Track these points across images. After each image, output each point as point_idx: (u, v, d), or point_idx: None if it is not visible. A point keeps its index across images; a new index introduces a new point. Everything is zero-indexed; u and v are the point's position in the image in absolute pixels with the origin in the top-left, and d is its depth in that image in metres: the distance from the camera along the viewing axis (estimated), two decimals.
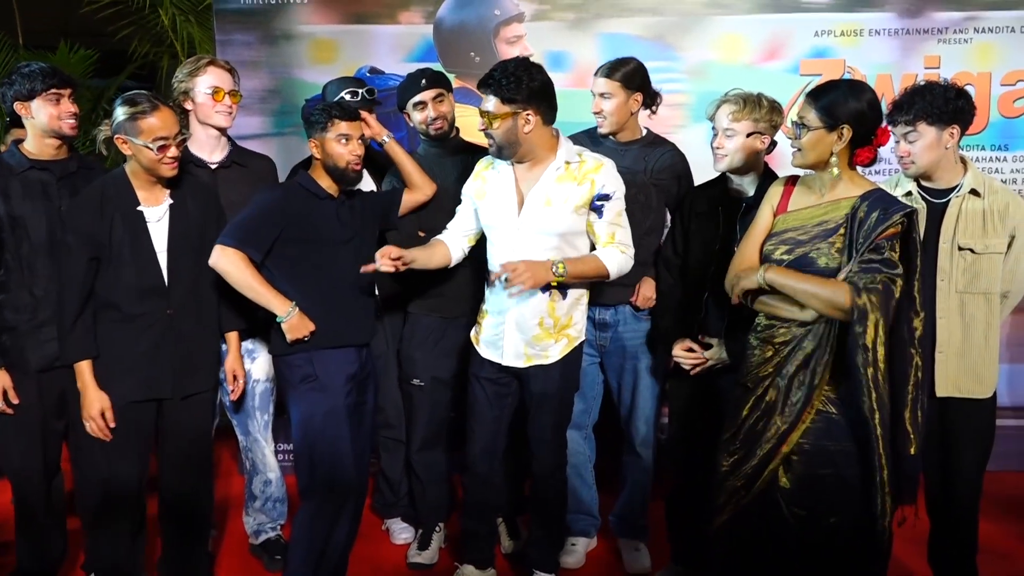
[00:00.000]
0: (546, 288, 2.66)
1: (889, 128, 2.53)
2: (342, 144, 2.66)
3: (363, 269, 2.62)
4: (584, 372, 2.95)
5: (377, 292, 3.11)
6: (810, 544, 2.32)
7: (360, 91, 3.06)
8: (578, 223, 2.66)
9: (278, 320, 2.62)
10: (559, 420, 2.85)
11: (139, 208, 2.59)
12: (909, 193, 2.61)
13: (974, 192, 2.56)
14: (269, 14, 3.81)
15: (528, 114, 2.58)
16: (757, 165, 2.71)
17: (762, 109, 2.64)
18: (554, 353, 2.74)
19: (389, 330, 3.24)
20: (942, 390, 2.60)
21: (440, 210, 2.98)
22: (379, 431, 3.34)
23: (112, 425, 2.57)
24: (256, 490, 3.21)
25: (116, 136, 2.53)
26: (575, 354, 2.79)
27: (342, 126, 2.65)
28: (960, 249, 2.56)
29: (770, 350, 2.34)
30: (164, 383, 2.63)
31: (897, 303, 2.20)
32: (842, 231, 2.25)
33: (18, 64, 2.75)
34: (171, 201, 2.63)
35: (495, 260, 2.75)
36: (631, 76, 2.92)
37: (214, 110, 2.90)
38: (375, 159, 3.11)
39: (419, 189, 2.97)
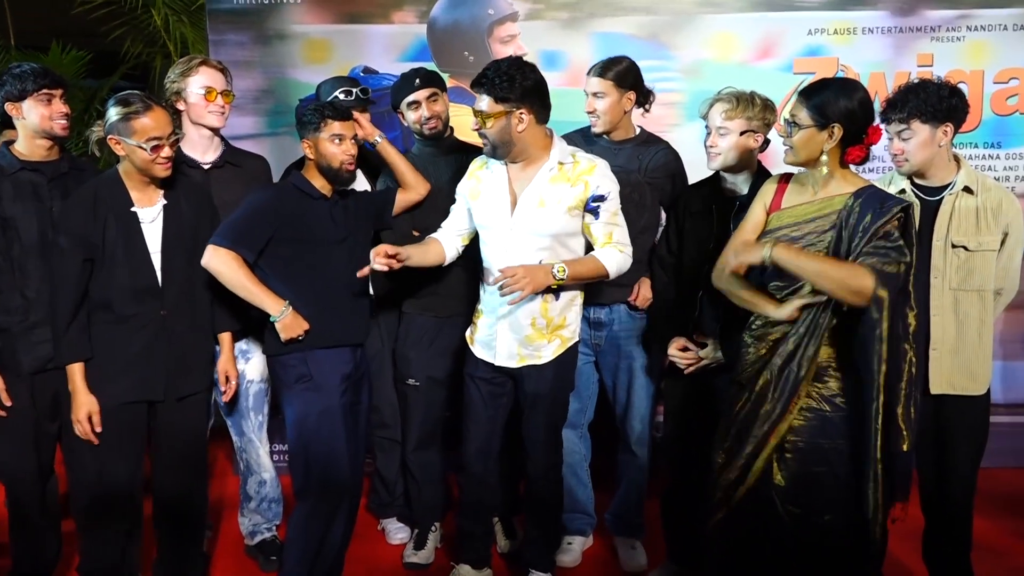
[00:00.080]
0: (543, 289, 2.66)
1: (883, 126, 2.54)
2: (335, 144, 2.66)
3: (359, 273, 2.62)
4: (579, 371, 2.95)
5: (372, 292, 3.11)
6: (805, 542, 2.32)
7: (354, 90, 3.06)
8: (571, 224, 2.66)
9: (271, 319, 2.62)
10: (553, 420, 2.85)
11: (133, 209, 2.58)
12: (903, 191, 2.61)
13: (967, 190, 2.57)
14: (262, 14, 3.80)
15: (522, 113, 2.58)
16: (751, 163, 2.71)
17: (755, 107, 2.64)
18: (547, 353, 2.74)
19: (385, 330, 3.24)
20: (936, 387, 2.61)
21: (434, 209, 2.98)
22: (375, 431, 3.33)
23: (99, 429, 2.56)
24: (251, 491, 3.20)
25: (109, 137, 2.52)
26: (569, 354, 2.79)
27: (335, 126, 2.65)
28: (954, 246, 2.57)
29: (764, 348, 2.34)
30: (157, 384, 2.62)
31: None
32: (833, 230, 2.25)
33: (9, 65, 2.74)
34: (165, 202, 2.63)
35: (489, 260, 2.75)
36: (624, 75, 2.92)
37: (207, 110, 2.89)
38: (369, 160, 3.10)
39: (412, 189, 2.97)
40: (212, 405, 2.94)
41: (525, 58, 2.86)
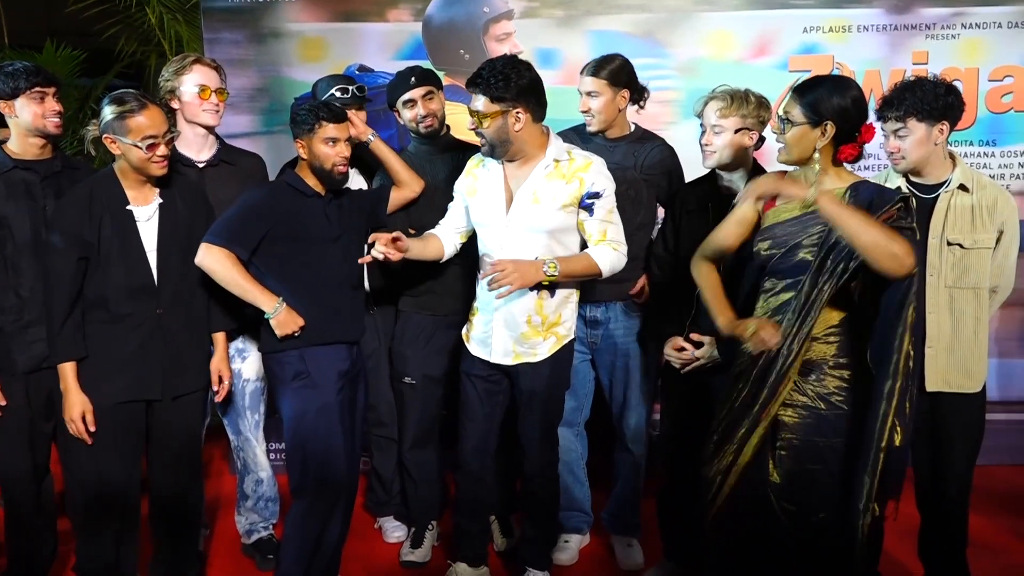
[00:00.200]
0: (536, 286, 2.66)
1: (879, 124, 2.54)
2: (329, 146, 2.65)
3: (361, 260, 2.65)
4: (576, 370, 2.95)
5: (368, 289, 3.11)
6: (800, 539, 2.33)
7: (351, 88, 3.05)
8: (567, 221, 2.66)
9: (266, 316, 2.62)
10: (548, 418, 2.85)
11: (128, 207, 2.57)
12: (898, 188, 2.62)
13: (963, 187, 2.58)
14: (257, 12, 3.80)
15: (518, 112, 2.58)
16: (746, 161, 2.71)
17: (749, 105, 2.65)
18: (543, 351, 2.74)
19: (381, 328, 3.24)
20: (932, 385, 2.61)
21: (431, 208, 2.98)
22: (371, 429, 3.33)
23: (93, 428, 2.55)
24: (248, 489, 3.20)
25: (104, 136, 2.52)
26: (564, 352, 2.79)
27: (329, 128, 2.64)
28: (949, 244, 2.57)
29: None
30: (154, 384, 2.62)
31: None
32: (823, 224, 2.25)
33: (2, 63, 2.73)
34: (160, 200, 2.62)
35: (486, 258, 2.75)
36: (617, 73, 2.92)
37: (201, 108, 2.89)
38: (365, 159, 3.10)
39: (407, 186, 2.97)
40: (209, 404, 2.93)
41: (520, 56, 2.85)
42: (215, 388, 2.83)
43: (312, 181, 2.71)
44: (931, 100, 2.49)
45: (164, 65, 2.99)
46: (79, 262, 2.52)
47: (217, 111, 2.93)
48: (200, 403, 2.80)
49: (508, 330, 2.73)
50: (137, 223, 2.58)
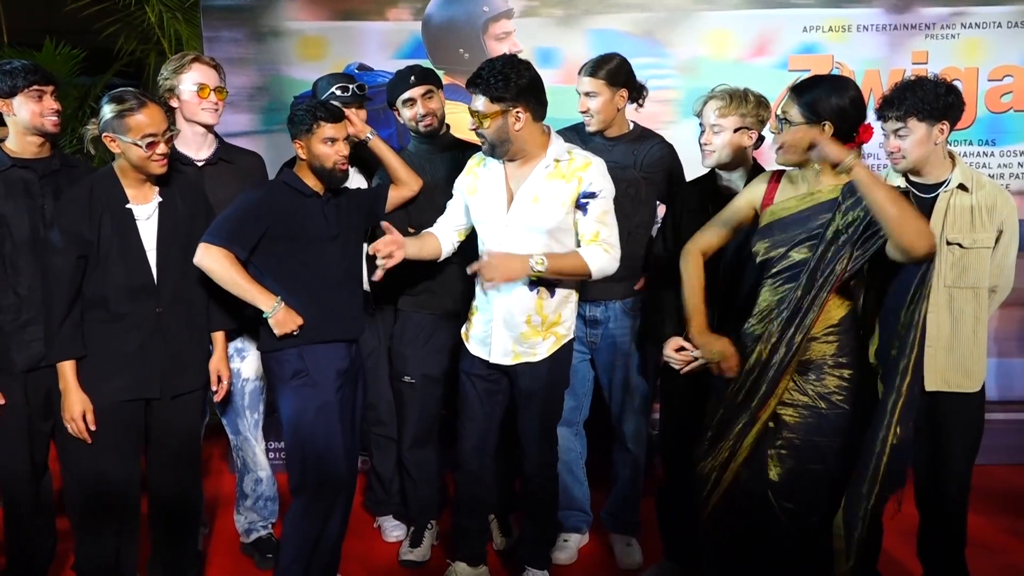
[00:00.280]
0: (533, 285, 2.66)
1: (879, 124, 2.54)
2: (328, 145, 2.65)
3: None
4: (575, 369, 2.95)
5: (368, 288, 3.11)
6: (800, 539, 2.33)
7: (351, 87, 3.05)
8: (566, 220, 2.66)
9: (264, 315, 2.62)
10: (548, 418, 2.85)
11: (128, 206, 2.57)
12: (897, 187, 2.62)
13: (962, 187, 2.57)
14: (256, 11, 3.79)
15: (518, 112, 2.58)
16: (745, 161, 2.71)
17: (749, 104, 2.64)
18: (542, 351, 2.74)
19: (381, 327, 3.24)
20: (931, 384, 2.61)
21: (430, 206, 2.98)
22: (371, 428, 3.33)
23: (93, 427, 2.55)
24: (247, 488, 3.20)
25: (104, 134, 2.51)
26: (564, 352, 2.79)
27: (328, 128, 2.64)
28: (948, 244, 2.57)
29: (759, 346, 2.34)
30: (153, 383, 2.61)
31: None
32: (827, 214, 2.25)
33: (0, 61, 2.73)
34: (160, 199, 2.62)
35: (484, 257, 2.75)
36: (615, 73, 2.92)
37: (200, 107, 2.88)
38: (364, 158, 3.10)
39: (405, 184, 2.97)
40: (208, 403, 2.93)
41: (520, 55, 2.85)
42: (214, 388, 2.83)
43: (310, 181, 2.70)
44: (932, 100, 2.49)
45: (163, 64, 2.98)
46: (79, 261, 2.52)
47: (216, 110, 2.92)
48: (199, 402, 2.80)
49: (508, 330, 2.73)
50: (137, 222, 2.58)
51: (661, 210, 3.10)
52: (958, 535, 2.73)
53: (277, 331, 2.62)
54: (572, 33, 3.80)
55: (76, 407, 2.53)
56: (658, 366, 3.02)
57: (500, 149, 2.64)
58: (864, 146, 2.30)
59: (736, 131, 2.64)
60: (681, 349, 2.76)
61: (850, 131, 2.24)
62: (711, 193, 2.78)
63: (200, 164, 2.94)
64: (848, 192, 2.24)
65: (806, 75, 2.44)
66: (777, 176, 2.43)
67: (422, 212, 3.01)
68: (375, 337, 3.22)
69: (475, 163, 2.82)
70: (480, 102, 2.58)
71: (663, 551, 3.03)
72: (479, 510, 3.02)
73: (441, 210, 2.90)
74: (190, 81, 2.87)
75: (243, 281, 2.60)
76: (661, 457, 3.07)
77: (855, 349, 2.32)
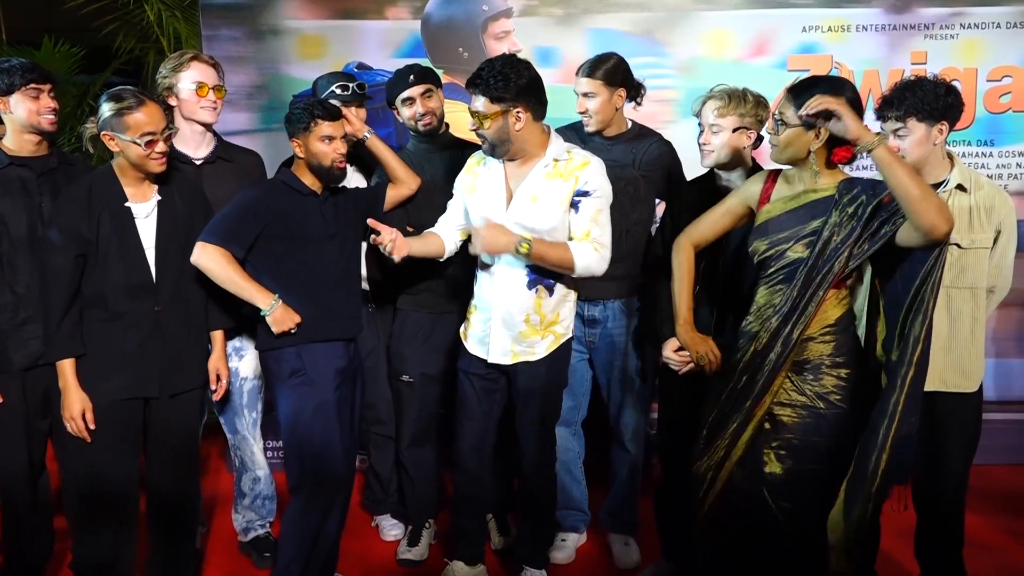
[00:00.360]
0: (532, 284, 2.66)
1: (879, 123, 2.54)
2: (325, 144, 2.65)
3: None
4: (573, 369, 2.95)
5: (367, 287, 3.11)
6: (796, 538, 2.33)
7: (351, 85, 3.05)
8: (565, 220, 2.65)
9: (262, 313, 2.62)
10: (546, 417, 2.85)
11: (127, 204, 2.57)
12: None
13: (961, 187, 2.57)
14: (256, 9, 3.79)
15: (518, 112, 2.58)
16: (744, 160, 2.71)
17: (747, 104, 2.64)
18: (540, 350, 2.74)
19: (380, 326, 3.24)
20: (929, 384, 2.58)
21: (429, 205, 2.98)
22: (370, 427, 3.33)
23: (92, 426, 2.55)
24: (245, 487, 3.20)
25: (103, 133, 2.51)
26: (562, 351, 2.79)
27: (325, 127, 2.64)
28: (947, 244, 2.57)
29: (756, 345, 2.34)
30: (152, 381, 2.62)
31: None
32: (824, 214, 2.25)
33: None
34: (159, 197, 2.62)
35: (483, 256, 2.75)
36: (612, 73, 2.91)
37: (198, 106, 2.88)
38: (363, 156, 3.10)
39: (403, 183, 2.97)
40: (206, 401, 2.93)
41: (520, 55, 2.84)
42: (213, 387, 2.83)
43: (308, 179, 2.70)
44: (931, 100, 2.49)
45: (162, 62, 2.98)
46: (77, 259, 2.52)
47: (215, 108, 2.92)
48: (198, 401, 2.80)
49: (506, 329, 2.73)
50: (136, 220, 2.58)
51: (660, 208, 3.09)
52: (956, 535, 2.73)
53: (275, 329, 2.62)
54: (571, 32, 3.81)
55: (76, 406, 2.53)
56: (656, 366, 3.02)
57: (500, 149, 2.64)
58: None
59: (735, 131, 2.64)
60: (680, 350, 2.77)
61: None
62: (710, 193, 2.77)
63: (199, 163, 2.94)
64: (845, 190, 2.24)
65: (805, 75, 2.44)
66: (774, 175, 2.43)
67: (420, 211, 3.01)
68: (374, 336, 3.22)
69: (475, 162, 2.82)
70: (480, 102, 2.58)
71: (661, 551, 3.04)
72: (477, 509, 3.02)
73: (440, 209, 2.90)
74: (189, 79, 2.87)
75: (240, 279, 2.60)
76: (659, 457, 3.07)
77: (852, 349, 2.33)
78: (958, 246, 2.57)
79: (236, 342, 3.01)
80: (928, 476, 2.69)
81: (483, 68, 2.58)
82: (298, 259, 2.66)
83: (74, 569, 2.75)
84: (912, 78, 2.58)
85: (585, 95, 2.93)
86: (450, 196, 2.87)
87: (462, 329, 2.89)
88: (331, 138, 2.65)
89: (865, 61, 3.80)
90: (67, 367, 2.53)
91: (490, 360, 2.77)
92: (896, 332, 2.26)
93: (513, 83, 2.54)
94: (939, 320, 2.60)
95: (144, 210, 2.59)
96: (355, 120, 2.96)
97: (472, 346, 2.83)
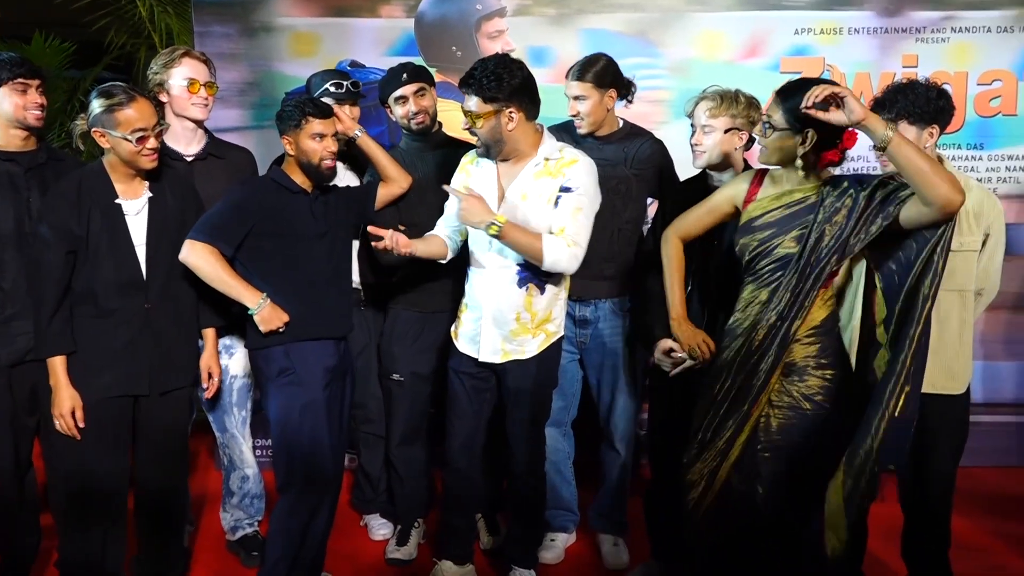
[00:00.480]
0: (523, 282, 2.66)
1: None
2: (316, 141, 2.64)
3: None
4: (564, 369, 2.96)
5: (360, 286, 3.10)
6: (785, 538, 2.34)
7: (345, 83, 3.04)
8: None
9: (249, 312, 2.61)
10: (536, 416, 2.85)
11: (117, 201, 2.56)
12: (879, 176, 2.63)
13: None
14: (248, 6, 3.78)
15: (511, 111, 2.58)
16: (736, 161, 2.72)
17: (739, 105, 2.65)
18: (531, 348, 2.74)
19: (371, 325, 3.23)
20: None
21: (422, 204, 2.97)
22: (359, 426, 3.33)
23: (82, 424, 2.54)
24: (233, 486, 3.18)
25: (93, 129, 2.50)
26: (552, 350, 2.79)
27: (316, 125, 2.63)
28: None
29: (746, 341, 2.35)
30: (141, 379, 2.60)
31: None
32: (811, 212, 2.26)
33: None
34: (150, 194, 2.61)
35: (475, 253, 2.75)
36: (602, 74, 2.92)
37: (190, 102, 2.87)
38: (355, 155, 3.09)
39: (394, 182, 2.96)
40: (195, 400, 2.92)
41: (513, 54, 2.84)
42: (204, 385, 2.82)
43: (299, 178, 2.70)
44: (923, 103, 2.50)
45: (154, 58, 2.97)
46: (68, 256, 2.51)
47: (206, 105, 2.91)
48: (187, 399, 2.79)
49: (497, 328, 2.73)
50: (126, 217, 2.57)
51: (652, 208, 3.10)
52: (942, 536, 2.74)
53: (262, 328, 2.61)
54: (565, 32, 3.81)
55: (66, 403, 2.52)
56: (647, 367, 3.02)
57: (494, 149, 2.64)
58: (850, 150, 2.30)
59: (727, 132, 2.65)
60: (671, 351, 2.77)
61: (834, 138, 2.24)
62: (702, 193, 2.77)
63: (190, 159, 2.93)
64: (829, 189, 2.25)
65: (797, 77, 2.44)
66: (760, 175, 2.44)
67: (412, 209, 3.00)
68: (365, 335, 3.21)
69: (468, 160, 2.82)
70: (473, 102, 2.58)
71: (650, 551, 3.04)
72: (466, 508, 3.02)
73: (432, 207, 2.89)
74: (180, 76, 2.86)
75: (228, 277, 2.59)
76: (649, 457, 3.08)
77: (837, 351, 2.34)
78: None
79: (226, 340, 2.99)
80: (915, 477, 2.70)
81: (476, 68, 2.58)
82: (287, 257, 2.65)
83: (60, 568, 2.73)
84: (904, 81, 2.59)
85: (576, 98, 2.93)
86: (442, 194, 2.87)
87: (453, 328, 2.89)
88: (322, 136, 2.64)
89: (857, 64, 3.81)
90: (58, 364, 2.52)
91: (481, 359, 2.77)
92: (898, 308, 2.24)
93: (506, 83, 2.54)
94: None
95: (135, 207, 2.58)
96: (346, 119, 2.95)
97: (463, 345, 2.82)
